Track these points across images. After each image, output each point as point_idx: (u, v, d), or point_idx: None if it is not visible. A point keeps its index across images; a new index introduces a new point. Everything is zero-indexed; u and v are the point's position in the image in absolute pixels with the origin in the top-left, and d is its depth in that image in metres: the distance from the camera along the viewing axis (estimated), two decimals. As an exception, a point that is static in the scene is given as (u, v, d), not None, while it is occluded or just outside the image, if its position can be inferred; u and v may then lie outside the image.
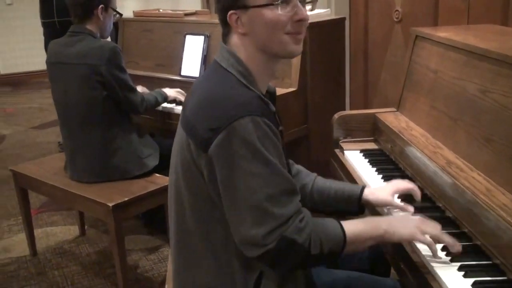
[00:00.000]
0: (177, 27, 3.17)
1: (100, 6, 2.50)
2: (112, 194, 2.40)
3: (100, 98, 2.44)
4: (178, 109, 2.81)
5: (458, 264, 1.25)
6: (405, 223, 1.30)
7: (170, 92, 2.85)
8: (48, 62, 2.60)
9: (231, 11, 1.24)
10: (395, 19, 2.95)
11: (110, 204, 2.30)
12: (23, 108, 6.34)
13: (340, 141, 2.13)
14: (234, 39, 1.28)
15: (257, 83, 1.28)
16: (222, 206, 1.21)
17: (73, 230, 3.21)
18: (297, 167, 1.61)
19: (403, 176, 1.78)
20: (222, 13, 1.27)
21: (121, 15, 2.79)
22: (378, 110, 2.14)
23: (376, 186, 1.65)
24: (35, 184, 2.69)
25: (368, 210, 1.61)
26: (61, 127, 2.67)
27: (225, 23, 1.29)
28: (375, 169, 1.86)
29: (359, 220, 1.31)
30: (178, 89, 2.91)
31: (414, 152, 1.73)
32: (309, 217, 1.22)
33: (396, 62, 2.96)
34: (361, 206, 1.53)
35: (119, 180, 2.53)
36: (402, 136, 1.84)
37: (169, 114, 2.89)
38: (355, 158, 1.99)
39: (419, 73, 1.99)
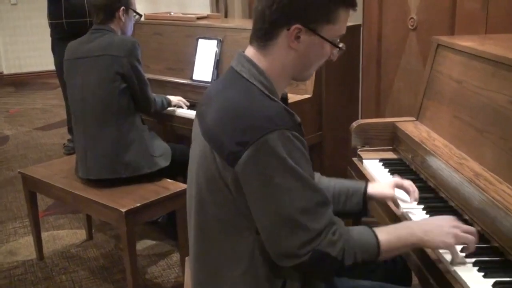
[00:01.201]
0: (189, 30, 3.15)
1: (121, 8, 2.57)
2: (124, 199, 2.36)
3: (117, 91, 2.47)
4: (180, 112, 2.87)
5: (492, 280, 1.22)
6: (440, 230, 1.28)
7: (173, 99, 2.88)
8: (65, 60, 2.62)
9: (297, 25, 1.22)
10: (410, 27, 2.92)
11: (123, 210, 2.27)
12: (26, 109, 6.30)
13: (358, 150, 2.10)
14: (277, 48, 1.25)
15: (277, 93, 1.28)
16: (250, 217, 1.19)
17: (80, 234, 3.17)
18: None
19: (426, 186, 1.76)
20: (283, 20, 1.22)
21: (141, 16, 2.82)
22: (397, 119, 2.11)
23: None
24: (45, 187, 2.65)
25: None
26: (74, 124, 2.65)
27: (275, 30, 1.24)
28: (396, 179, 1.83)
29: (391, 227, 1.30)
30: (180, 97, 2.93)
31: (438, 163, 1.70)
32: (342, 227, 1.21)
33: (410, 70, 2.93)
34: (364, 204, 1.54)
35: (129, 177, 2.50)
36: (425, 146, 1.81)
37: (171, 116, 2.90)
38: (374, 167, 1.97)
39: (440, 82, 1.96)
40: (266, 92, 1.23)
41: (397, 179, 1.62)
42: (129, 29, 2.68)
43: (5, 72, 8.04)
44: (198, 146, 1.28)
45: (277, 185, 1.13)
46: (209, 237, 1.28)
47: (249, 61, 1.27)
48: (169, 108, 2.86)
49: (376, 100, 3.26)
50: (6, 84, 7.77)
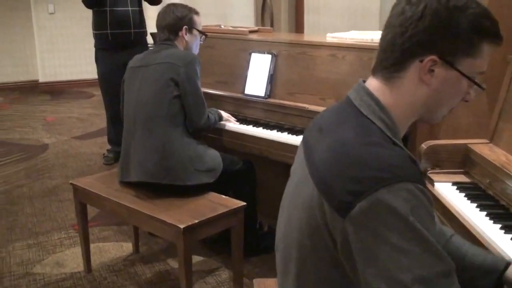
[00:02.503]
0: (241, 44, 3.11)
1: (184, 27, 2.69)
2: (181, 215, 2.32)
3: (169, 96, 2.53)
4: (230, 126, 2.87)
5: None
6: None
7: (223, 114, 2.88)
8: (128, 68, 2.72)
9: (433, 56, 1.07)
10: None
11: (181, 226, 2.23)
12: (63, 118, 6.35)
13: (428, 172, 2.03)
14: (407, 81, 1.11)
15: (399, 134, 1.12)
16: (353, 276, 1.04)
17: (126, 247, 3.14)
18: None
19: (509, 214, 1.68)
20: (416, 49, 1.08)
21: (206, 35, 2.87)
22: (469, 141, 2.04)
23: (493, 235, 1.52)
24: (97, 199, 2.63)
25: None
26: (124, 128, 2.68)
27: (406, 60, 1.10)
28: (475, 205, 1.76)
29: None
30: (229, 115, 2.92)
31: (524, 190, 1.62)
32: None
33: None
34: (499, 282, 1.29)
35: (173, 186, 2.49)
36: (507, 171, 1.73)
37: (220, 130, 2.89)
38: (448, 192, 1.89)
39: (519, 104, 1.89)
40: (388, 134, 1.08)
41: None
42: (194, 48, 2.78)
43: (41, 80, 8.13)
44: (302, 186, 1.13)
45: (393, 245, 0.95)
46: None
47: (370, 94, 1.12)
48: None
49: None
50: (42, 92, 7.86)
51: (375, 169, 0.98)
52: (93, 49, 4.64)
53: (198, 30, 2.77)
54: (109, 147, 4.77)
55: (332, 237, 1.03)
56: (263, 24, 4.26)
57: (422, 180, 1.01)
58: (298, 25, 4.03)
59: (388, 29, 1.12)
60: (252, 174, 2.83)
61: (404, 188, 0.96)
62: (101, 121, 6.02)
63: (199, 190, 2.54)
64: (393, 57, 1.10)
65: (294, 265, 1.14)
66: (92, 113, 6.54)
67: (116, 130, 4.68)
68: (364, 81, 1.17)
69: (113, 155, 4.70)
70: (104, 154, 4.78)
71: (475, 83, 1.12)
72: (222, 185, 2.65)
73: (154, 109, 2.53)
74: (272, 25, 4.13)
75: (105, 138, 5.13)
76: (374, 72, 1.16)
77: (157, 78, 2.55)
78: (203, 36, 2.84)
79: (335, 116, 1.17)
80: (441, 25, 1.05)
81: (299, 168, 1.19)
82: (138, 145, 2.56)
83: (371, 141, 1.05)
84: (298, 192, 1.15)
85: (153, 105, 2.53)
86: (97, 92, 7.59)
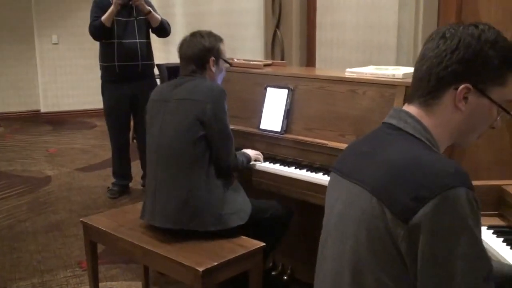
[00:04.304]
0: (256, 78, 3.06)
1: (212, 58, 2.52)
2: (199, 257, 2.22)
3: (194, 137, 2.36)
4: (260, 166, 2.72)
5: None
6: None
7: (251, 153, 2.73)
8: (150, 100, 2.56)
9: (467, 85, 1.16)
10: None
11: (200, 269, 2.12)
12: (66, 149, 6.26)
13: (461, 214, 1.95)
14: (442, 108, 1.20)
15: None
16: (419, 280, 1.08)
17: (135, 287, 3.02)
18: None
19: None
20: (451, 79, 1.17)
21: (230, 64, 2.75)
22: (504, 182, 1.96)
23: None
24: (110, 239, 2.52)
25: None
26: (147, 166, 2.55)
27: (441, 89, 1.18)
28: (517, 251, 1.68)
29: None
30: (258, 152, 2.78)
31: None
32: None
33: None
34: None
35: (194, 231, 2.36)
36: (549, 215, 1.66)
37: (249, 170, 2.74)
38: (485, 236, 1.80)
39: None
40: (435, 150, 1.18)
41: None
42: (219, 79, 2.63)
43: (43, 110, 8.08)
44: (356, 200, 1.17)
45: (453, 246, 1.03)
46: None
47: (412, 117, 1.20)
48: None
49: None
50: (44, 122, 7.80)
51: (436, 175, 1.06)
52: (95, 80, 4.61)
53: (224, 60, 2.63)
54: (113, 180, 4.68)
55: (395, 245, 1.08)
56: (273, 57, 4.22)
57: (473, 187, 1.09)
58: (309, 59, 4.00)
59: (422, 60, 1.21)
60: (285, 220, 2.64)
61: (463, 193, 1.04)
62: (104, 153, 5.94)
63: (223, 233, 2.40)
64: (429, 85, 1.19)
65: (347, 275, 1.17)
66: (95, 144, 6.46)
67: (121, 163, 4.61)
68: (400, 108, 1.25)
69: (118, 189, 4.60)
70: (108, 187, 4.68)
71: (504, 110, 1.22)
72: (249, 230, 2.50)
73: (177, 152, 2.37)
74: (282, 59, 4.10)
75: (109, 171, 5.04)
76: (410, 100, 1.25)
77: (181, 117, 2.39)
78: (227, 65, 2.70)
79: (377, 140, 1.24)
80: (474, 57, 1.16)
81: (342, 194, 1.23)
82: (161, 186, 2.41)
83: (426, 152, 1.14)
84: (347, 214, 1.19)
85: (177, 146, 2.37)
86: (99, 123, 7.57)
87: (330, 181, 1.34)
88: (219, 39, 2.60)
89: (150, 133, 2.51)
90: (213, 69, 2.54)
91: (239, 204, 2.46)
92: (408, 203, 1.05)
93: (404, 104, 1.28)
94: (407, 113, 1.22)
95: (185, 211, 2.36)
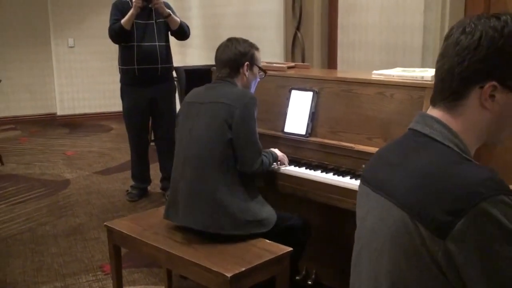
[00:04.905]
0: (279, 81, 3.02)
1: (246, 63, 2.55)
2: (226, 262, 2.19)
3: (223, 140, 2.38)
4: (285, 170, 2.66)
5: None
6: None
7: (279, 153, 2.70)
8: (185, 102, 2.60)
9: (493, 82, 1.09)
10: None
11: (228, 275, 2.09)
12: (83, 152, 6.27)
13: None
14: (469, 108, 1.12)
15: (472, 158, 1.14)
16: None
17: (158, 291, 3.01)
18: None
19: None
20: (476, 77, 1.10)
21: (265, 73, 2.74)
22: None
23: None
24: (134, 243, 2.50)
25: None
26: (175, 166, 2.54)
27: (466, 88, 1.12)
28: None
29: None
30: (284, 154, 2.74)
31: None
32: None
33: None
34: None
35: (213, 233, 2.35)
36: None
37: (273, 173, 2.70)
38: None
39: None
40: (466, 156, 1.11)
41: None
42: (253, 86, 2.65)
43: (59, 113, 8.12)
44: (386, 220, 1.13)
45: (501, 255, 0.98)
46: None
47: (439, 122, 1.14)
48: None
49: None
50: (60, 125, 7.83)
51: (470, 185, 1.00)
52: (111, 83, 4.62)
53: (259, 67, 2.65)
54: (132, 183, 4.67)
55: (435, 261, 1.03)
56: (293, 60, 4.19)
57: (510, 191, 1.03)
58: (330, 61, 3.96)
59: (444, 59, 1.14)
60: (305, 232, 2.61)
61: (500, 200, 0.99)
62: (121, 156, 5.94)
63: (245, 237, 2.38)
64: (453, 86, 1.12)
65: None
66: (112, 147, 6.46)
67: (140, 166, 4.59)
68: (424, 112, 1.19)
69: (137, 192, 4.59)
70: (127, 190, 4.67)
71: None
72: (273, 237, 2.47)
73: (206, 152, 2.38)
74: (303, 61, 4.06)
75: (126, 174, 5.04)
76: (434, 102, 1.18)
77: (212, 118, 2.41)
78: (262, 73, 2.71)
79: (403, 149, 1.19)
80: (499, 52, 1.08)
81: (373, 208, 1.19)
82: (186, 187, 2.42)
83: (456, 160, 1.08)
84: (380, 229, 1.15)
85: (206, 146, 2.39)
86: (115, 126, 7.59)
87: (360, 192, 1.30)
88: (254, 47, 2.64)
89: (180, 134, 2.54)
90: (247, 74, 2.57)
91: (264, 213, 2.44)
92: (443, 218, 1.00)
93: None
94: (432, 118, 1.16)
95: (210, 214, 2.36)
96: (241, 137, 2.39)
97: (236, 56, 2.54)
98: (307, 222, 2.62)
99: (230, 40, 2.62)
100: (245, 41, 2.62)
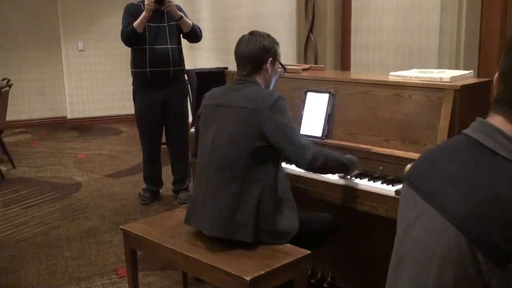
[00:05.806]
0: (294, 82, 3.01)
1: (270, 59, 2.45)
2: (245, 265, 2.17)
3: (251, 148, 2.28)
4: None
5: None
6: None
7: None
8: (205, 105, 2.48)
9: None
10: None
11: (247, 278, 2.08)
12: (94, 155, 6.28)
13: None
14: None
15: None
16: None
17: (173, 294, 2.99)
18: None
19: None
20: None
21: (285, 69, 2.67)
22: None
23: None
24: (151, 246, 2.49)
25: None
26: (198, 170, 2.48)
27: None
28: None
29: None
30: None
31: None
32: None
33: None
34: None
35: (239, 241, 2.30)
36: None
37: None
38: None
39: None
40: None
41: None
42: (272, 82, 2.55)
43: (69, 116, 8.14)
44: (432, 238, 1.04)
45: None
46: None
47: (505, 136, 1.02)
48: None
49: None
50: (70, 128, 7.85)
51: None
52: (121, 86, 4.63)
53: (280, 63, 2.54)
54: (144, 186, 4.66)
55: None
56: (305, 62, 4.17)
57: None
58: (344, 63, 3.94)
59: (505, 61, 1.04)
60: (330, 233, 2.57)
61: None
62: (132, 159, 5.94)
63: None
64: None
65: None
66: (122, 150, 6.47)
67: (152, 169, 4.59)
68: (484, 118, 1.07)
69: (149, 195, 4.58)
70: (140, 193, 4.66)
71: None
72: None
73: (231, 157, 2.30)
74: (316, 63, 4.04)
75: (138, 177, 5.04)
76: (495, 107, 1.07)
77: (239, 125, 2.31)
78: (282, 69, 2.60)
79: (463, 161, 1.06)
80: None
81: (422, 219, 1.08)
82: (210, 193, 2.34)
83: None
84: (429, 245, 1.05)
85: (231, 153, 2.30)
86: (125, 129, 7.60)
87: (404, 195, 1.19)
88: (277, 42, 2.52)
89: (203, 138, 2.44)
90: (269, 70, 2.45)
91: (287, 225, 2.36)
92: (504, 246, 0.93)
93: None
94: (497, 130, 1.03)
95: (234, 223, 2.29)
96: (281, 139, 2.28)
97: (260, 51, 2.41)
98: (335, 222, 2.58)
99: (253, 33, 2.47)
100: (268, 36, 2.49)
